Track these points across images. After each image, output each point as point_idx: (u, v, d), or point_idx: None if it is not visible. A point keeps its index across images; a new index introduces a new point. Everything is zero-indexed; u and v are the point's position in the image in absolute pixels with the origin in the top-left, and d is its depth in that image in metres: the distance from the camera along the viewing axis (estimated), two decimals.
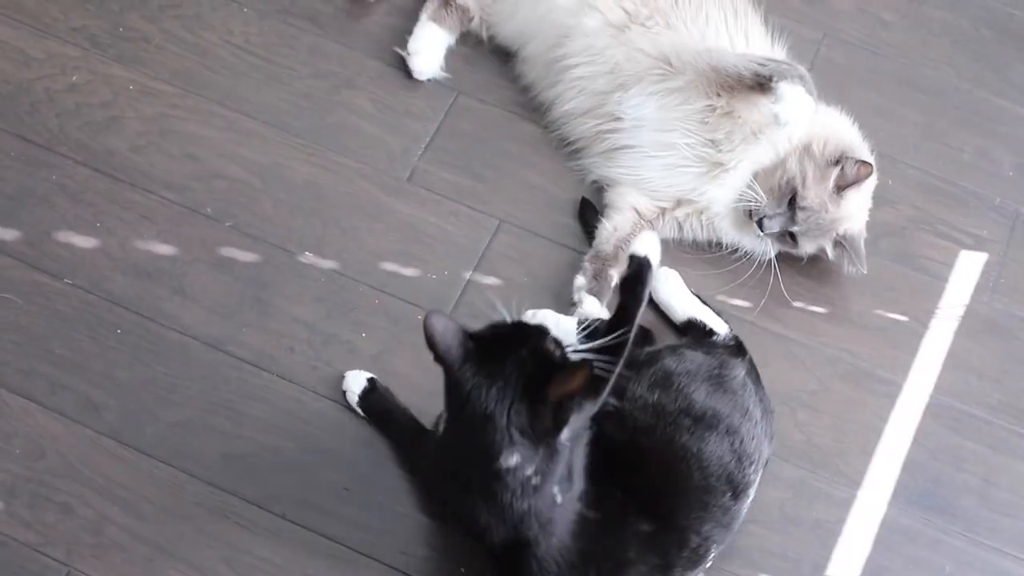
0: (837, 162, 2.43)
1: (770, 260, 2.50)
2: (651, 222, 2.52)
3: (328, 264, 2.47)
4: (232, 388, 2.33)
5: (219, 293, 2.42)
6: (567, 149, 2.62)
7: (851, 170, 2.42)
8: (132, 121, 2.59)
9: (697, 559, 2.09)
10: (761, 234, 2.45)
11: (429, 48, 2.69)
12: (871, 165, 2.43)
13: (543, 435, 1.85)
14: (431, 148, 2.62)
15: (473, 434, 1.86)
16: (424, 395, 2.32)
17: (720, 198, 2.49)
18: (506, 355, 1.85)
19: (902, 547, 2.30)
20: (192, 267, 2.44)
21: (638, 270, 2.06)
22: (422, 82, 2.69)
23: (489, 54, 2.73)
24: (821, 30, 2.84)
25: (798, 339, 2.48)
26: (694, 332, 2.35)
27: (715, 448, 2.09)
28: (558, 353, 1.89)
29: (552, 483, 1.92)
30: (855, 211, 2.48)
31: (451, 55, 2.72)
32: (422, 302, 2.44)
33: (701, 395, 2.14)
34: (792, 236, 2.46)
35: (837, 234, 2.46)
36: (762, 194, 2.44)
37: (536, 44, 2.65)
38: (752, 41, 2.56)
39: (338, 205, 2.54)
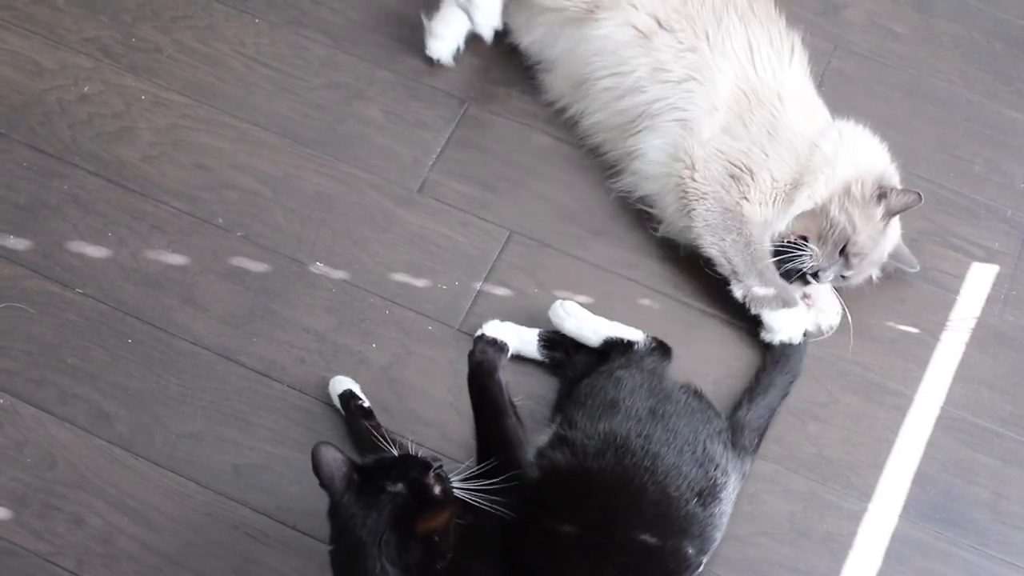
0: (879, 196, 2.41)
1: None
2: None
3: (339, 275, 2.47)
4: (242, 398, 2.33)
5: (230, 303, 2.43)
6: (606, 171, 2.62)
7: (898, 200, 2.40)
8: (144, 131, 2.60)
9: (672, 573, 2.06)
10: (816, 283, 2.45)
11: (451, 34, 2.70)
12: (919, 195, 2.39)
13: (414, 567, 1.90)
14: (442, 159, 2.63)
15: (350, 561, 1.92)
16: (436, 405, 2.33)
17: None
18: (385, 487, 1.92)
19: (913, 560, 2.29)
20: (203, 277, 2.45)
21: (478, 366, 2.15)
22: (430, 90, 2.70)
23: (499, 64, 2.73)
24: (832, 42, 2.84)
25: (808, 351, 2.47)
26: (616, 349, 2.32)
27: (673, 460, 2.09)
28: (438, 488, 1.93)
29: None
30: (895, 231, 2.48)
31: (462, 65, 2.73)
32: (432, 313, 2.44)
33: (649, 413, 2.15)
34: (844, 277, 2.46)
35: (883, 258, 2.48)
36: (815, 248, 2.41)
37: (562, 71, 2.65)
38: (780, 53, 2.55)
39: (349, 216, 2.54)
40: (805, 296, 2.45)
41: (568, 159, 2.64)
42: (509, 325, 2.33)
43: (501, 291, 2.48)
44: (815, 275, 2.43)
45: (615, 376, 2.22)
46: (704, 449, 2.13)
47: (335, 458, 1.93)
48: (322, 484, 1.93)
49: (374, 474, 1.94)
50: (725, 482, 2.14)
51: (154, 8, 2.76)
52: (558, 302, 2.38)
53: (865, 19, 2.91)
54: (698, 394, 2.24)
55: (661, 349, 2.32)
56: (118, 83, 2.66)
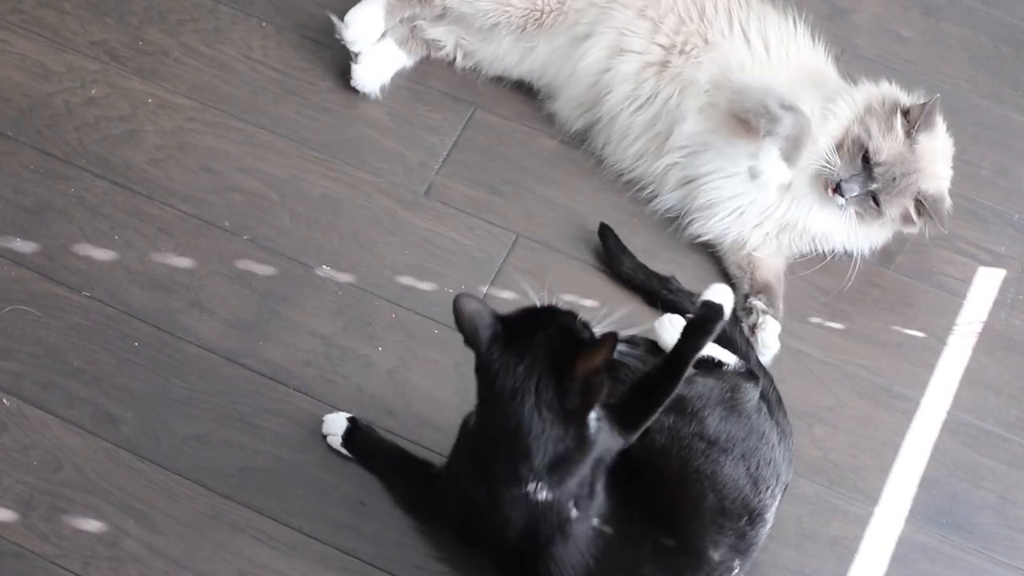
0: (899, 111, 2.44)
1: (853, 255, 2.53)
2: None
3: (345, 278, 2.47)
4: (249, 401, 2.33)
5: (236, 306, 2.43)
6: (638, 193, 2.62)
7: (916, 112, 2.43)
8: (150, 134, 2.60)
9: None
10: (843, 201, 2.43)
11: (380, 66, 2.68)
12: (933, 101, 2.42)
13: (571, 413, 1.86)
14: (448, 162, 2.63)
15: (502, 413, 1.86)
16: (442, 409, 2.33)
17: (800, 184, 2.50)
18: (535, 335, 1.86)
19: (919, 564, 2.29)
20: (209, 280, 2.45)
21: (706, 317, 2.09)
22: (437, 94, 2.70)
23: None
24: (839, 46, 2.84)
25: (815, 355, 2.47)
26: (704, 366, 2.29)
27: (730, 472, 2.09)
28: (587, 334, 1.89)
29: (577, 479, 1.93)
30: (931, 163, 2.46)
31: (468, 69, 2.73)
32: (439, 316, 2.44)
33: (715, 419, 2.14)
34: (875, 199, 2.44)
35: (918, 192, 2.45)
36: (835, 158, 2.44)
37: (568, 98, 2.66)
38: (788, 42, 2.58)
39: (355, 219, 2.54)
40: (755, 326, 2.45)
41: (575, 163, 2.65)
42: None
43: (507, 295, 2.48)
44: (838, 189, 2.43)
45: (691, 378, 2.18)
46: (758, 467, 2.12)
47: (477, 309, 1.86)
48: (466, 339, 1.87)
49: (520, 324, 1.89)
50: (772, 504, 2.14)
51: (160, 11, 2.76)
52: (666, 315, 2.36)
53: (872, 23, 2.92)
54: (768, 411, 2.22)
55: (749, 374, 2.27)
56: (125, 86, 2.66)
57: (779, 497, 2.17)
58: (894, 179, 2.42)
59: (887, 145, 2.42)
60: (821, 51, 2.63)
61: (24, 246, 2.45)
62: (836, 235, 2.53)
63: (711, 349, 2.30)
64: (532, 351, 1.85)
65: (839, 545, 2.30)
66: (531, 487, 1.91)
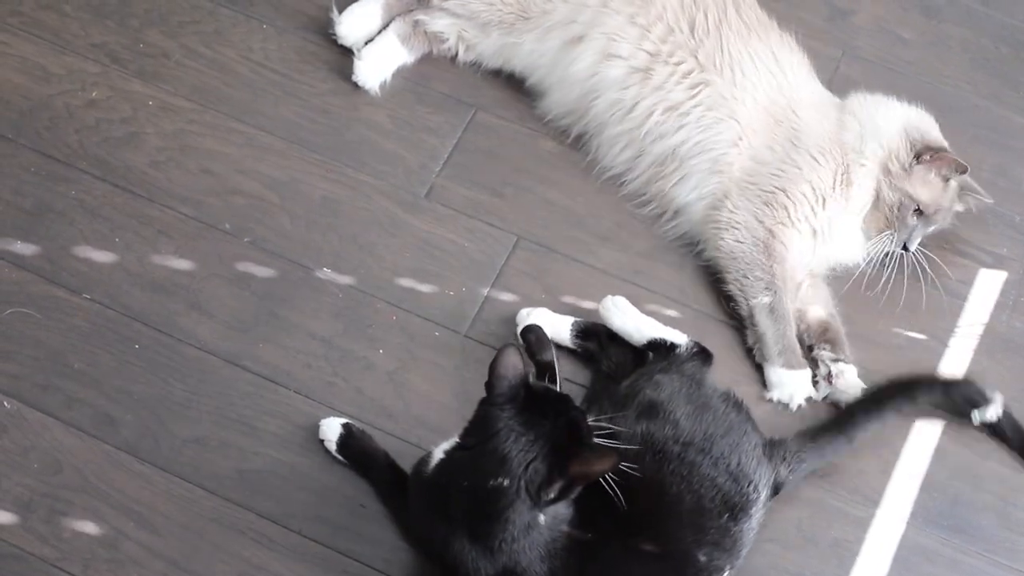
0: (918, 156, 2.50)
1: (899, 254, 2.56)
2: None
3: (345, 280, 2.47)
4: (248, 403, 2.33)
5: (236, 308, 2.42)
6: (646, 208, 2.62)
7: (948, 163, 2.49)
8: (151, 137, 2.60)
9: None
10: (910, 251, 2.52)
11: (381, 61, 2.69)
12: (957, 162, 2.50)
13: (546, 502, 1.91)
14: (449, 164, 2.63)
15: (483, 468, 1.91)
16: (441, 411, 2.33)
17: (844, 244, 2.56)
18: (547, 416, 1.92)
19: (920, 567, 2.29)
20: (209, 282, 2.45)
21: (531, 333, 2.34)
22: (438, 96, 2.70)
23: (506, 69, 2.73)
24: (840, 47, 2.84)
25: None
26: (658, 351, 2.32)
27: (708, 471, 2.09)
28: (589, 439, 1.95)
29: (542, 522, 1.97)
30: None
31: (469, 71, 2.73)
32: (439, 318, 2.44)
33: (687, 419, 2.14)
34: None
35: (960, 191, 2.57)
36: (888, 233, 2.51)
37: (558, 102, 2.66)
38: (783, 62, 2.57)
39: (355, 221, 2.54)
40: (830, 375, 2.42)
41: (575, 164, 2.64)
42: (543, 311, 2.38)
43: (508, 296, 2.47)
44: (904, 248, 2.51)
45: (654, 380, 2.21)
46: (739, 463, 2.13)
47: (516, 365, 1.93)
48: (489, 380, 1.93)
49: (539, 399, 1.94)
50: (756, 499, 2.13)
51: (161, 13, 2.76)
52: (609, 296, 2.39)
53: (872, 24, 2.91)
54: (737, 405, 2.23)
55: (702, 355, 2.31)
56: (125, 88, 2.66)
57: (764, 494, 2.16)
58: (945, 209, 2.54)
59: (930, 195, 2.50)
60: (812, 82, 2.62)
61: (24, 248, 2.45)
62: (850, 253, 2.56)
63: (663, 331, 2.34)
64: (539, 430, 1.91)
65: (840, 547, 2.29)
66: (498, 541, 1.94)
